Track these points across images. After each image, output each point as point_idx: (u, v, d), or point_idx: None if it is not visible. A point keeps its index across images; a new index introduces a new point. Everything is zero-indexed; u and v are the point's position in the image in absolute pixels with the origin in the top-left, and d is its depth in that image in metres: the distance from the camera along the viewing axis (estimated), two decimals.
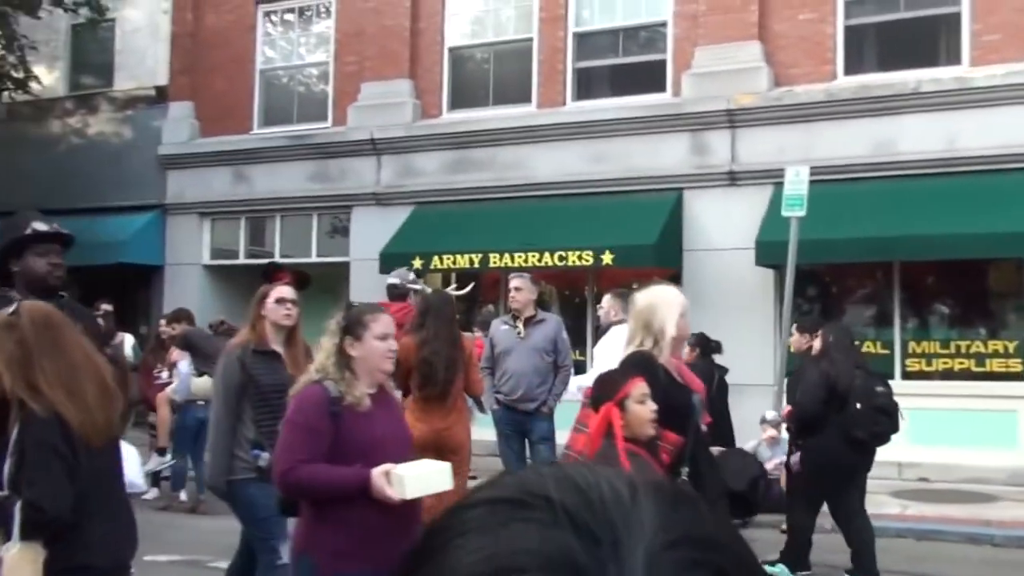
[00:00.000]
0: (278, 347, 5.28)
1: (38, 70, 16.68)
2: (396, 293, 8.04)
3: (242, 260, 15.81)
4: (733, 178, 12.36)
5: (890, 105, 11.60)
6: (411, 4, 14.52)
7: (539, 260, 12.35)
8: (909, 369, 11.81)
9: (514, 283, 8.23)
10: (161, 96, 16.46)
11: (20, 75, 16.02)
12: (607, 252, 12.05)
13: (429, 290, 8.37)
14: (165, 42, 16.47)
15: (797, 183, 10.18)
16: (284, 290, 5.35)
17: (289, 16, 15.96)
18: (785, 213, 10.08)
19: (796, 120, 12.06)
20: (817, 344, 7.50)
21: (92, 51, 17.53)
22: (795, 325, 8.59)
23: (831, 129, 11.80)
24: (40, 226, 4.26)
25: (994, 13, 11.43)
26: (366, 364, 3.88)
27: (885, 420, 7.05)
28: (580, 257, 12.24)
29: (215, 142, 15.71)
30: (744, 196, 12.17)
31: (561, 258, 12.28)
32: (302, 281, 5.93)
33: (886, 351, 11.86)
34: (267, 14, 16.01)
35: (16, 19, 15.50)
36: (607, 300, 7.86)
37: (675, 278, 12.73)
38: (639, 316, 4.66)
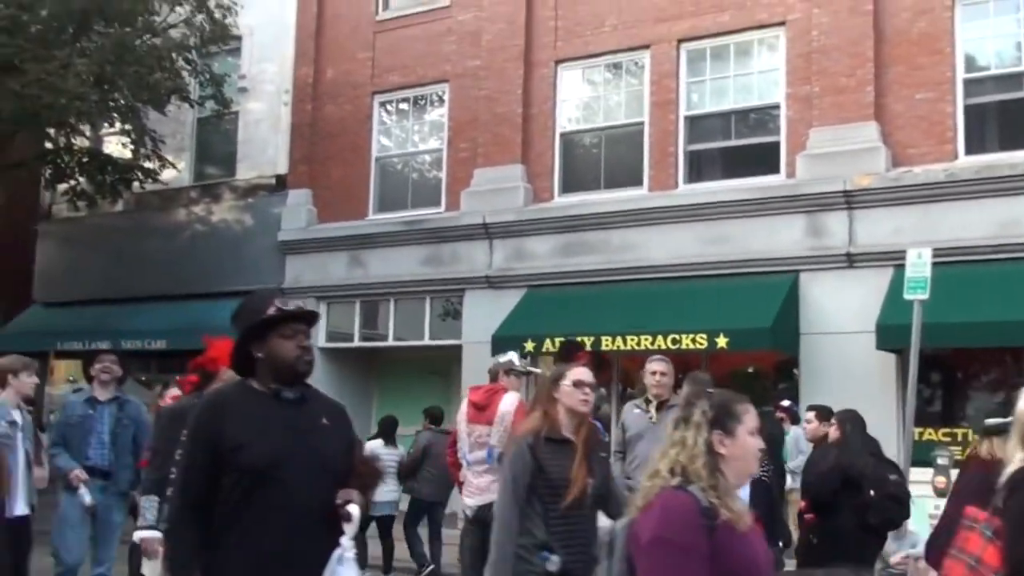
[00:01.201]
0: (570, 434, 4.64)
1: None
2: (517, 373, 8.02)
3: (356, 343, 16.09)
4: (851, 260, 12.13)
5: (1014, 185, 11.30)
6: (523, 91, 14.80)
7: (651, 343, 12.25)
8: None
9: (658, 367, 7.72)
10: (281, 184, 17.02)
11: (150, 166, 16.77)
12: (721, 335, 11.91)
13: (539, 371, 8.32)
14: (285, 133, 17.08)
15: (920, 266, 9.92)
16: (582, 372, 4.77)
17: (404, 105, 16.40)
18: (907, 296, 9.82)
19: (916, 201, 11.82)
20: (833, 431, 7.43)
21: (216, 142, 18.28)
22: (812, 412, 8.37)
23: (952, 210, 11.53)
24: (284, 305, 3.73)
25: None
26: (737, 466, 3.09)
27: (896, 507, 6.98)
28: (694, 340, 12.10)
29: (332, 228, 16.14)
30: (863, 278, 11.93)
31: (674, 341, 12.16)
32: (598, 363, 5.57)
33: None
34: (383, 104, 16.49)
35: (146, 113, 16.27)
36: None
37: (791, 362, 12.51)
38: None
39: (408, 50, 16.08)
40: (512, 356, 8.50)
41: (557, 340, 13.02)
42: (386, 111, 16.57)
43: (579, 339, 4.67)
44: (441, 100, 15.96)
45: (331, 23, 16.95)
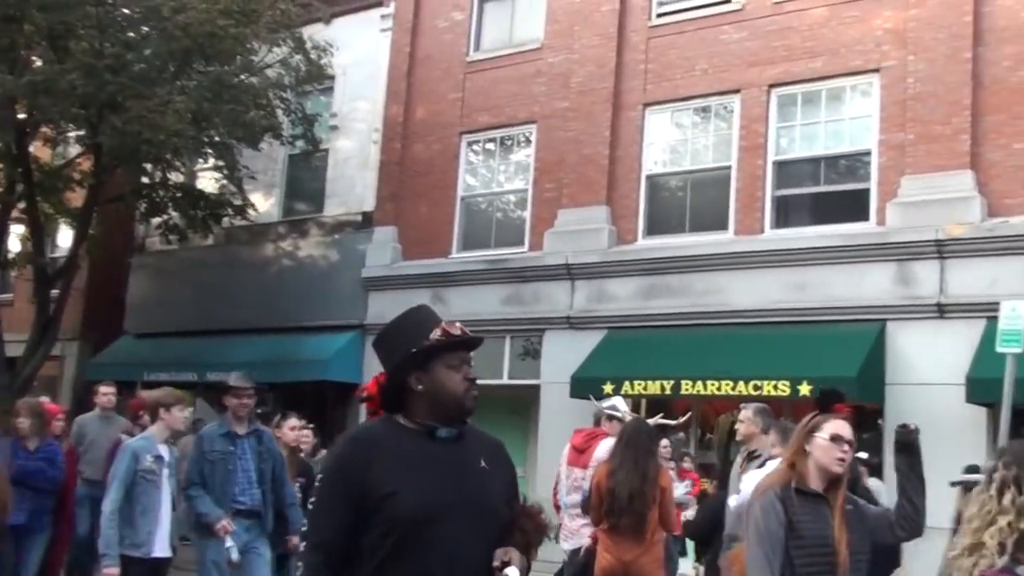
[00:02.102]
0: (818, 488, 4.06)
1: (255, 197, 17.89)
2: (619, 419, 7.93)
3: None
4: (942, 310, 11.81)
5: None
6: (610, 133, 14.81)
7: (733, 388, 12.07)
8: None
9: (741, 415, 7.36)
10: (367, 221, 17.25)
11: (239, 202, 17.15)
12: (805, 383, 11.65)
13: (628, 416, 8.18)
14: (374, 170, 17.34)
15: (1014, 318, 9.64)
16: (842, 426, 4.06)
17: (490, 145, 16.54)
18: (1000, 349, 9.54)
19: (1011, 252, 11.47)
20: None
21: (305, 179, 18.64)
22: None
23: None
24: (451, 329, 3.04)
25: None
26: None
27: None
28: (776, 387, 11.87)
29: (416, 265, 16.28)
30: (954, 330, 11.59)
31: (756, 387, 11.94)
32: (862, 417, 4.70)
33: None
34: (470, 144, 16.65)
35: (240, 150, 16.68)
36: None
37: (877, 413, 12.18)
38: None
39: (497, 91, 16.24)
40: (616, 401, 8.42)
41: (636, 383, 12.92)
42: (473, 151, 16.72)
43: (837, 390, 4.18)
44: (528, 141, 16.05)
45: (422, 63, 17.21)
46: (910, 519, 4.08)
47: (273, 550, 7.64)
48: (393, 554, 2.81)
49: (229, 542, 7.12)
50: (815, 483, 4.01)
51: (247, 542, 7.32)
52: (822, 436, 4.02)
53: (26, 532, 8.10)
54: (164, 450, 7.12)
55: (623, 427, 7.46)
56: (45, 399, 10.48)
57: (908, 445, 4.16)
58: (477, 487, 2.95)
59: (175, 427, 7.26)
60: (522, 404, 15.25)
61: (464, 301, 15.62)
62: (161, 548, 7.01)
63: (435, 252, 16.25)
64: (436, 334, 2.99)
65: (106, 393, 10.58)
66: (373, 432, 3.03)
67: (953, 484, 5.41)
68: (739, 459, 7.29)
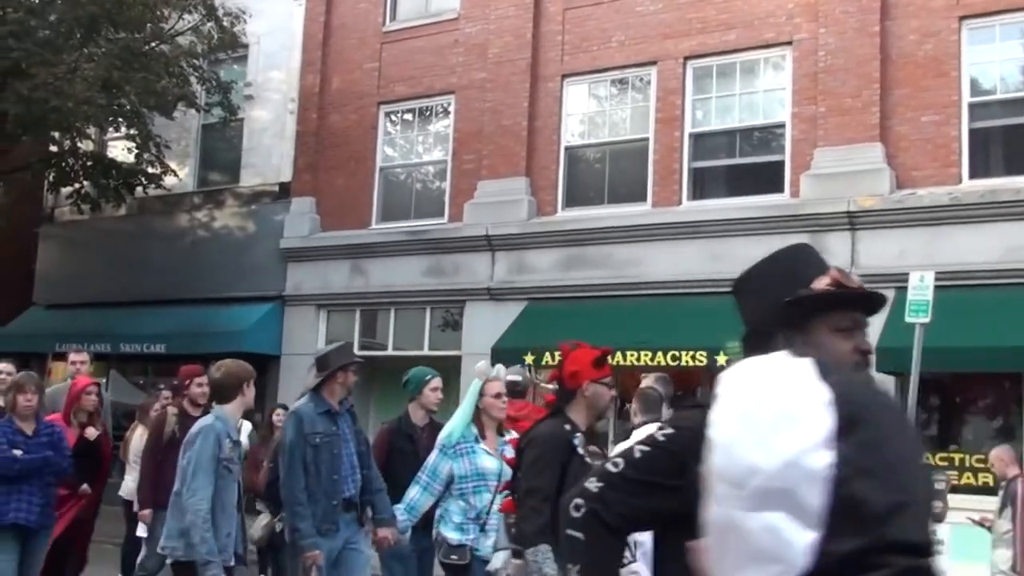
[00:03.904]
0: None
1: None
2: (517, 390, 7.98)
3: (357, 352, 16.04)
4: None
5: (1018, 210, 11.30)
6: (529, 104, 14.82)
7: (651, 359, 12.26)
8: None
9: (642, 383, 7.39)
10: (284, 192, 17.04)
11: (155, 171, 16.78)
12: (722, 353, 11.88)
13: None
14: (290, 141, 17.11)
15: (922, 289, 9.92)
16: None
17: (408, 116, 16.43)
18: (909, 319, 9.81)
19: (919, 224, 11.83)
20: None
21: (220, 149, 18.31)
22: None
23: (956, 233, 11.54)
24: (845, 279, 2.23)
25: None
26: None
27: None
28: (694, 357, 12.11)
29: (334, 236, 16.15)
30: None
31: (675, 358, 12.17)
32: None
33: None
34: (388, 114, 16.52)
35: (152, 119, 16.30)
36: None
37: None
38: None
39: (414, 61, 16.12)
40: (518, 368, 8.42)
41: (557, 354, 13.04)
42: (391, 121, 16.59)
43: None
44: (446, 112, 15.98)
45: (338, 33, 16.98)
46: None
47: None
48: None
49: None
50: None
51: (347, 538, 6.33)
52: None
53: (34, 532, 7.27)
54: (243, 435, 6.42)
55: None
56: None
57: None
58: None
59: (251, 406, 6.49)
60: (443, 375, 15.22)
61: (384, 272, 15.59)
62: (227, 555, 5.94)
63: (354, 223, 16.14)
64: (823, 283, 2.19)
65: (81, 361, 9.63)
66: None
67: None
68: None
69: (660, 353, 12.27)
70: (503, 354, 13.04)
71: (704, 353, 12.05)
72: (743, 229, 12.87)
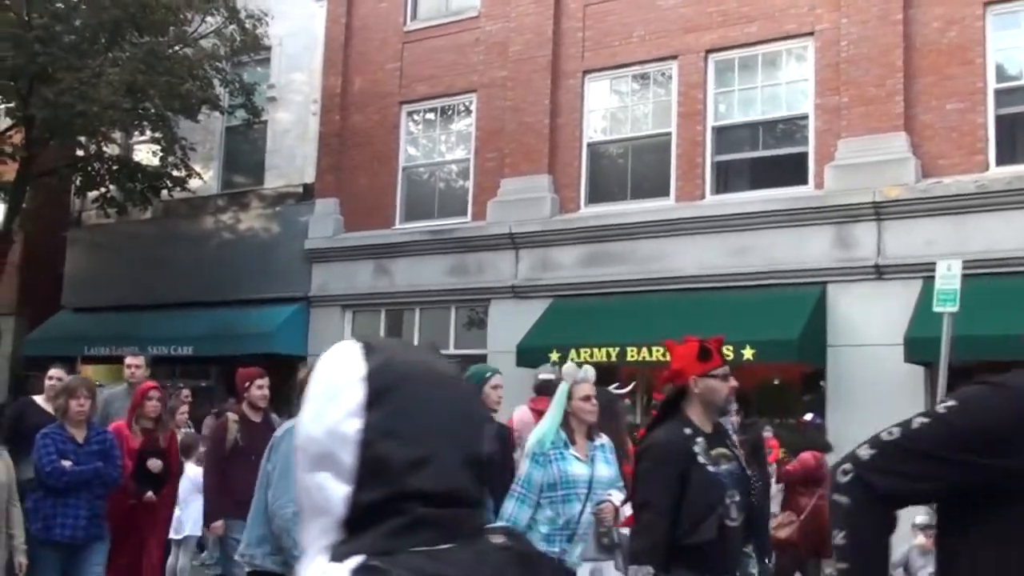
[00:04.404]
0: None
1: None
2: (550, 389, 7.87)
3: None
4: (880, 272, 12.03)
5: None
6: (550, 101, 14.81)
7: None
8: None
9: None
10: (308, 193, 17.10)
11: (180, 174, 16.90)
12: (748, 347, 11.81)
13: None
14: (313, 142, 17.17)
15: (949, 278, 9.83)
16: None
17: (431, 115, 16.45)
18: (937, 309, 9.73)
19: (946, 212, 11.71)
20: None
21: (245, 151, 18.42)
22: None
23: (983, 221, 11.41)
24: None
25: None
26: None
27: None
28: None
29: (358, 237, 16.18)
30: (892, 290, 11.82)
31: None
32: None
33: None
34: (410, 114, 16.55)
35: (177, 122, 16.42)
36: None
37: (819, 374, 12.41)
38: None
39: (436, 60, 16.14)
40: (548, 367, 8.34)
41: (582, 351, 13.01)
42: (413, 121, 16.62)
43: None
44: (468, 110, 15.99)
45: (359, 33, 17.03)
46: None
47: None
48: None
49: None
50: None
51: None
52: None
53: (80, 547, 6.97)
54: None
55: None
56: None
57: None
58: None
59: None
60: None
61: (408, 272, 15.61)
62: None
63: (378, 223, 16.18)
64: None
65: (137, 365, 9.17)
66: None
67: None
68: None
69: None
70: (528, 352, 13.04)
71: (730, 348, 11.94)
72: (768, 222, 12.80)
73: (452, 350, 15.28)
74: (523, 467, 5.91)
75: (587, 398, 5.91)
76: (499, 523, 5.92)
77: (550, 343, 13.29)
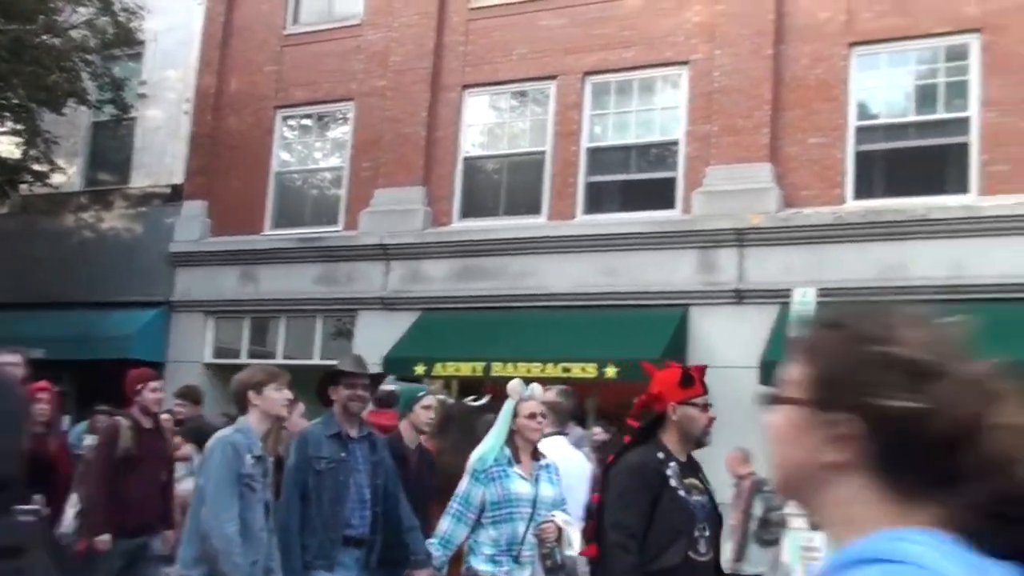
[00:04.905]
0: None
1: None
2: (391, 402, 7.74)
3: (244, 359, 15.70)
4: (740, 296, 12.31)
5: (898, 230, 11.61)
6: (428, 114, 14.75)
7: (542, 371, 12.21)
8: None
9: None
10: (176, 194, 16.63)
11: (42, 168, 16.24)
12: (610, 365, 11.93)
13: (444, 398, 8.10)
14: (184, 142, 16.72)
15: (804, 304, 10.14)
16: None
17: (307, 121, 16.22)
18: (790, 334, 9.96)
19: (804, 241, 12.07)
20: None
21: (111, 148, 17.81)
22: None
23: (839, 252, 11.79)
24: None
25: (1003, 145, 11.52)
26: None
27: None
28: (584, 369, 12.12)
29: (225, 241, 15.81)
30: (751, 315, 12.09)
31: (565, 369, 12.15)
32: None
33: None
34: (286, 119, 16.28)
35: (41, 115, 15.79)
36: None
37: None
38: None
39: (315, 66, 15.92)
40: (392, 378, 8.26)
41: (449, 365, 12.95)
42: (289, 126, 16.36)
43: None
44: (345, 118, 15.81)
45: (239, 34, 16.70)
46: None
47: None
48: None
49: None
50: None
51: None
52: None
53: None
54: (261, 448, 5.56)
55: (448, 407, 7.47)
56: None
57: None
58: None
59: (275, 412, 5.68)
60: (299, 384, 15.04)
61: (275, 280, 15.30)
62: None
63: (246, 228, 15.82)
64: None
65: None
66: None
67: None
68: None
69: (551, 365, 12.24)
70: (395, 364, 12.89)
71: (594, 365, 12.07)
72: (636, 244, 12.98)
73: (318, 360, 15.03)
74: (462, 484, 5.77)
75: (532, 416, 5.81)
76: (433, 540, 5.76)
77: (417, 356, 13.21)
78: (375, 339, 14.09)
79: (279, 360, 15.44)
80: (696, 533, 4.15)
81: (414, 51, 15.06)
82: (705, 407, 4.39)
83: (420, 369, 12.83)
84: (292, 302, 15.22)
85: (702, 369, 4.58)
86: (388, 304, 14.46)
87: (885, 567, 1.11)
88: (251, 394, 5.51)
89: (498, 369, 12.64)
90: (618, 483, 4.26)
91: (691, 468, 4.36)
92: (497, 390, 13.04)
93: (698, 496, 4.28)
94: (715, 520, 4.35)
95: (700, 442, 4.46)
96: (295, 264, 15.19)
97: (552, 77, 14.23)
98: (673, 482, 4.19)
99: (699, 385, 4.40)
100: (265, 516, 5.47)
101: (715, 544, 4.29)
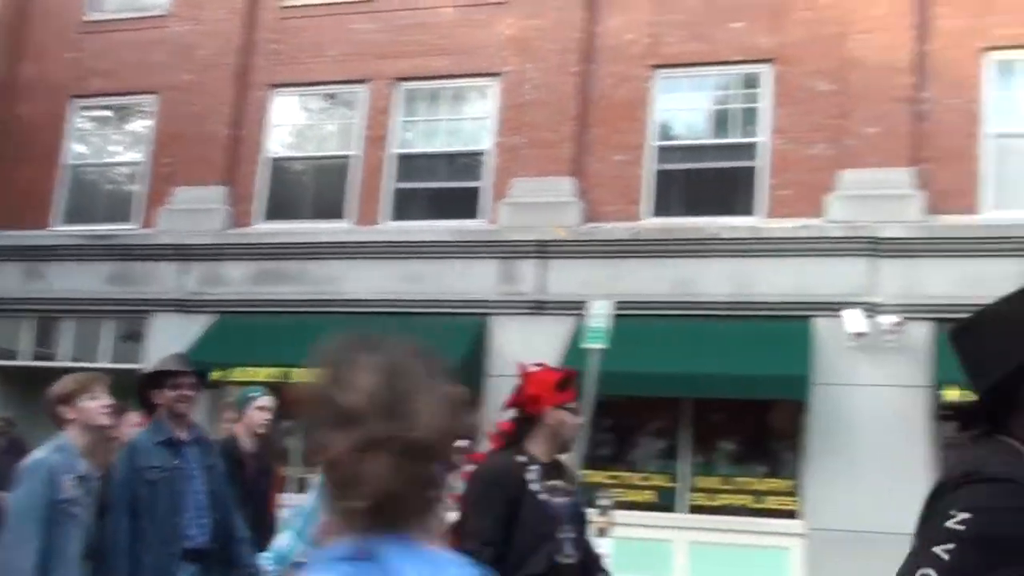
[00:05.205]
0: None
1: None
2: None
3: (27, 362, 14.86)
4: (540, 307, 12.46)
5: (691, 248, 12.02)
6: (234, 111, 14.34)
7: None
8: (693, 503, 11.86)
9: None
10: None
11: None
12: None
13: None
14: None
15: (600, 317, 10.35)
16: None
17: (106, 113, 15.50)
18: (585, 345, 10.17)
19: (603, 255, 12.34)
20: None
21: None
22: None
23: (636, 266, 12.11)
24: None
25: (789, 171, 12.11)
26: None
27: None
28: None
29: (9, 236, 14.83)
30: (549, 325, 12.24)
31: None
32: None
33: (673, 484, 11.95)
34: (82, 108, 15.51)
35: None
36: None
37: (476, 403, 12.62)
38: None
39: (116, 56, 15.22)
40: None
41: (248, 370, 12.56)
42: (85, 117, 15.58)
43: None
44: (147, 112, 15.18)
45: (35, 19, 15.82)
46: None
47: None
48: None
49: None
50: None
51: None
52: None
53: None
54: (85, 466, 5.00)
55: None
56: None
57: None
58: None
59: (96, 423, 5.08)
60: (125, 391, 14.36)
61: (63, 278, 14.51)
62: None
63: (32, 223, 14.93)
64: None
65: None
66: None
67: None
68: None
69: None
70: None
71: None
72: (441, 252, 12.98)
73: (107, 363, 14.31)
74: (308, 498, 5.35)
75: None
76: (268, 555, 5.23)
77: (213, 360, 12.73)
78: (169, 342, 13.47)
79: (65, 362, 14.66)
80: (561, 535, 4.11)
81: (222, 46, 14.62)
82: (575, 412, 4.39)
83: (217, 374, 12.39)
84: (81, 302, 14.45)
85: (574, 373, 4.62)
86: (184, 306, 13.94)
87: None
88: (62, 409, 5.00)
89: (298, 375, 12.36)
90: (473, 491, 4.20)
91: (555, 469, 4.31)
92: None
93: (561, 498, 4.23)
94: (580, 520, 4.33)
95: (567, 446, 4.46)
96: (85, 262, 14.45)
97: (363, 81, 14.09)
98: (534, 486, 4.12)
99: (572, 390, 4.42)
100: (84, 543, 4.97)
101: (583, 544, 4.27)
